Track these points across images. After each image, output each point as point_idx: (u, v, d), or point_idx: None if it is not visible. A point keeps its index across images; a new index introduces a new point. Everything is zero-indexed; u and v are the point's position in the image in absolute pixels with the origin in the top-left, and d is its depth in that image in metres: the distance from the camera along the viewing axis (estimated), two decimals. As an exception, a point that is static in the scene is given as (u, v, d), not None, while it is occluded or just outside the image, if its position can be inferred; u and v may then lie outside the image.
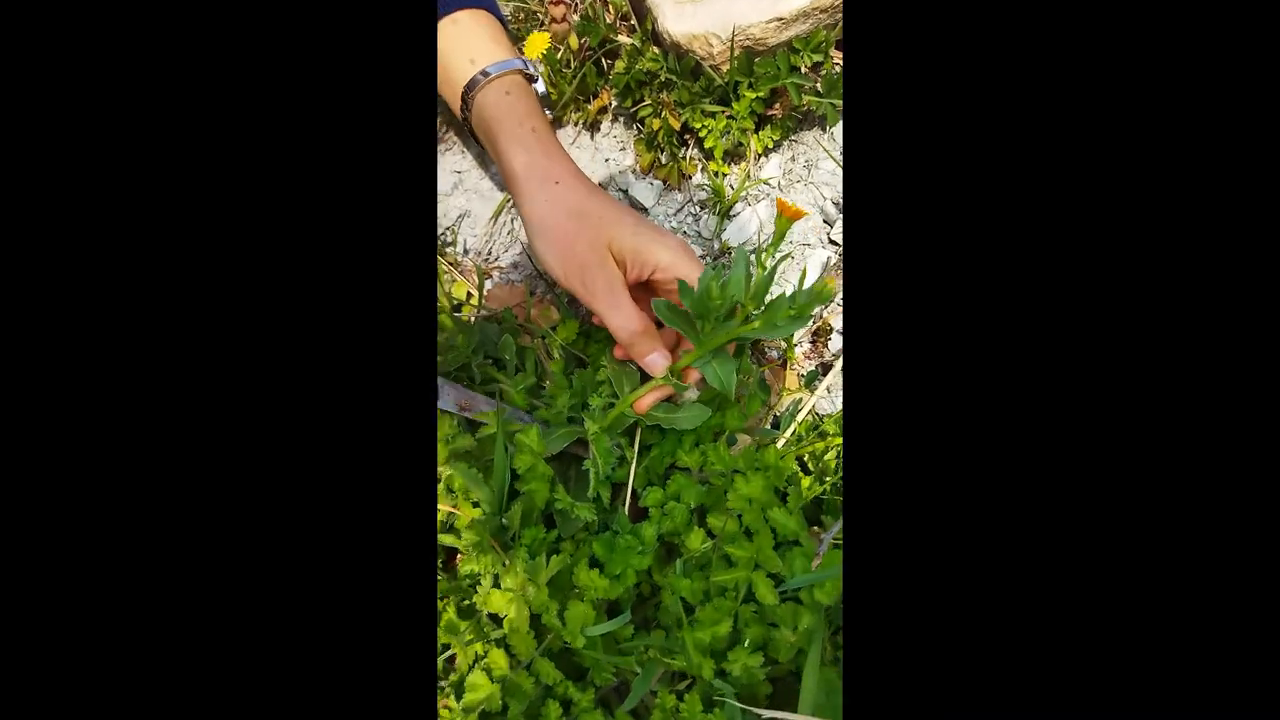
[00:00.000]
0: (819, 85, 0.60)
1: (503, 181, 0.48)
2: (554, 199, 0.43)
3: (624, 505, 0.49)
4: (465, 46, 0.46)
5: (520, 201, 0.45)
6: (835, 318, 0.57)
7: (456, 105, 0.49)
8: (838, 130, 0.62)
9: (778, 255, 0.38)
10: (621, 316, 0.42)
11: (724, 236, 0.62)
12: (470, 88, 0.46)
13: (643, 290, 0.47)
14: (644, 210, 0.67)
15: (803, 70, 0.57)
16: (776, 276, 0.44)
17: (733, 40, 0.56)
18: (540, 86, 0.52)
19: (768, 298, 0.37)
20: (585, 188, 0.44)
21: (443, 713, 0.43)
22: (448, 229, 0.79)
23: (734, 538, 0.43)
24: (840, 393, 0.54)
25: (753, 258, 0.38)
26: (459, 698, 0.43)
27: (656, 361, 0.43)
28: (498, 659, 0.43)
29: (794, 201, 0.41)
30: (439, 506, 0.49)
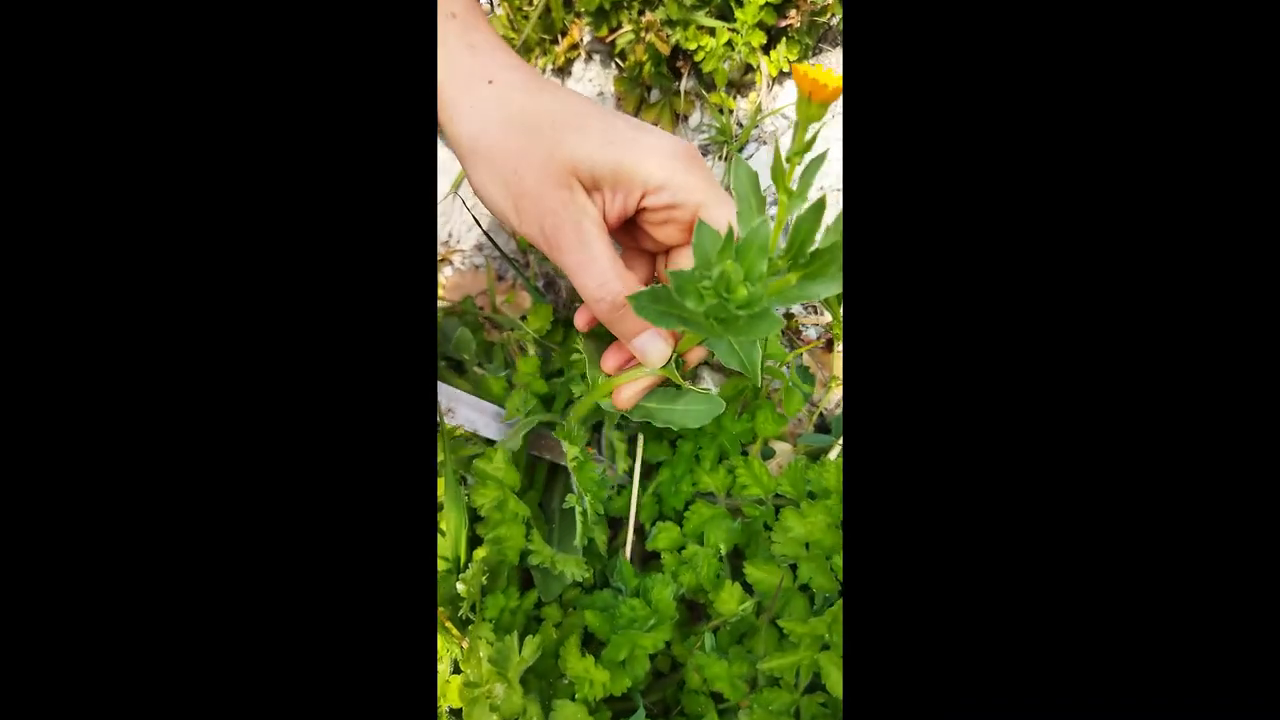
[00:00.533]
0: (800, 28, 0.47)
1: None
2: (486, 108, 0.29)
3: (625, 548, 0.36)
4: None
5: (444, 118, 0.30)
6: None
7: None
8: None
9: (805, 165, 0.24)
10: (596, 275, 0.28)
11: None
12: None
13: (631, 232, 0.33)
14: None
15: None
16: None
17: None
18: None
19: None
20: (527, 84, 0.30)
21: None
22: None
23: (788, 599, 0.29)
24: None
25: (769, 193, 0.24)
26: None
27: (650, 346, 0.29)
28: (459, 786, 0.30)
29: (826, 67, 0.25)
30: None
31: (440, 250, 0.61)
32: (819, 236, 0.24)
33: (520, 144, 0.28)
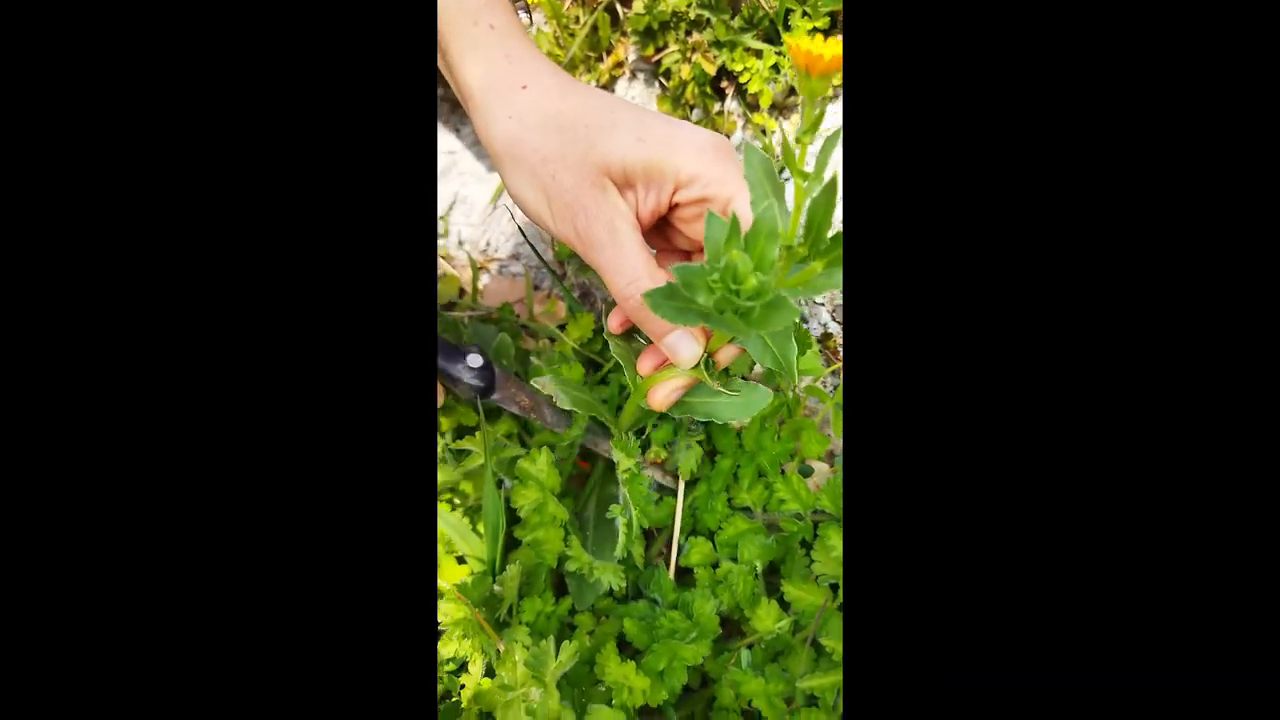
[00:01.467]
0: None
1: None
2: (521, 112, 0.30)
3: (670, 561, 0.36)
4: None
5: (481, 125, 0.31)
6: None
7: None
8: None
9: (818, 146, 0.22)
10: (627, 273, 0.28)
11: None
12: None
13: (666, 232, 0.33)
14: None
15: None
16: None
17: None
18: None
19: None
20: (561, 87, 0.30)
21: None
22: (440, 217, 0.67)
23: (828, 620, 0.29)
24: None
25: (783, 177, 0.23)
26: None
27: (681, 345, 0.29)
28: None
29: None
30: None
31: (479, 259, 0.62)
32: (837, 218, 0.23)
33: (554, 145, 0.29)
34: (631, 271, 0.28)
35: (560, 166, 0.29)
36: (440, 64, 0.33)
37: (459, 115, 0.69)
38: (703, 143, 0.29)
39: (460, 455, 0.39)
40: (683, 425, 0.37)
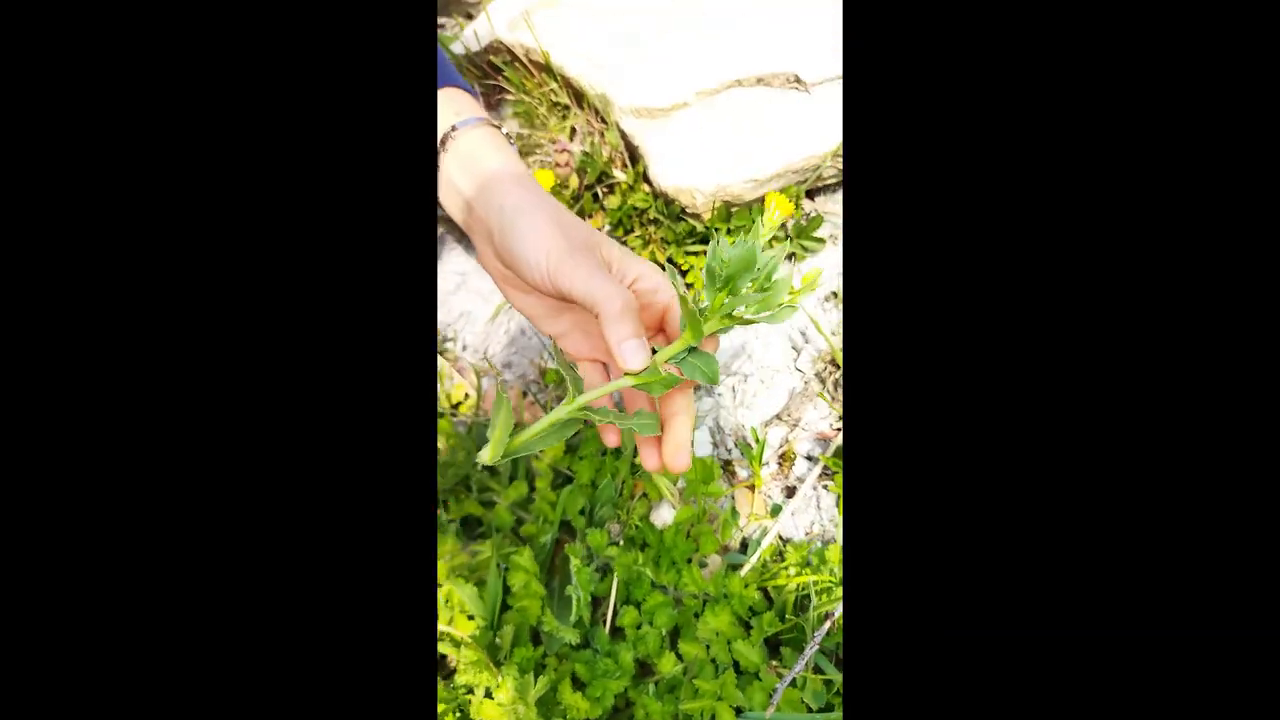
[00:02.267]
0: (790, 230, 0.68)
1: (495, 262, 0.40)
2: (540, 196, 0.37)
3: (604, 623, 0.54)
4: (443, 119, 0.41)
5: (493, 196, 0.37)
6: (800, 443, 0.64)
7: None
8: (804, 264, 0.70)
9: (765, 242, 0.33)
10: (609, 288, 0.34)
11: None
12: (443, 143, 0.40)
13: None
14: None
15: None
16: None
17: (714, 198, 0.64)
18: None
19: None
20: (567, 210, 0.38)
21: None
22: (449, 326, 0.84)
23: (702, 667, 0.48)
24: (804, 514, 0.60)
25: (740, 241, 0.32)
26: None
27: (633, 350, 0.34)
28: (487, 771, 0.48)
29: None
30: (440, 627, 0.54)
31: (481, 365, 0.79)
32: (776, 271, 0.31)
33: (566, 219, 0.37)
34: (613, 289, 0.34)
35: (568, 228, 0.36)
36: (457, 201, 0.40)
37: (468, 242, 0.86)
38: (653, 268, 0.38)
39: (471, 542, 0.57)
40: (625, 529, 0.56)
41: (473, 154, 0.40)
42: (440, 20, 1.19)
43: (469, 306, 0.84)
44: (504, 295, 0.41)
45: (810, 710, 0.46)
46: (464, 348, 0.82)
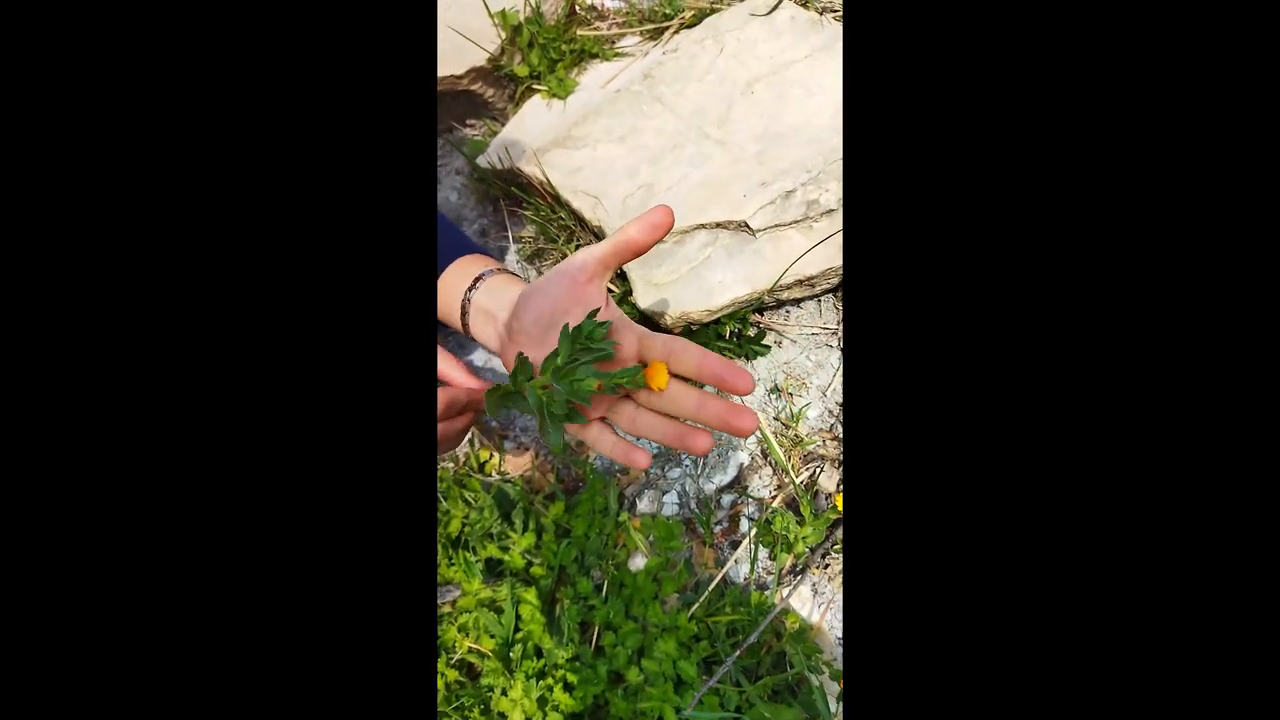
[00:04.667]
0: (740, 342, 0.87)
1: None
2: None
3: (591, 643, 0.74)
4: (467, 276, 0.51)
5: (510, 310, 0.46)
6: (746, 506, 0.83)
7: (458, 321, 0.52)
8: (759, 363, 0.89)
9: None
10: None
11: (673, 439, 0.88)
12: (471, 288, 0.50)
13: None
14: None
15: (726, 335, 0.84)
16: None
17: (677, 319, 0.84)
18: None
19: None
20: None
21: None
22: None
23: (656, 678, 0.68)
24: (744, 565, 0.79)
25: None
26: (477, 770, 0.68)
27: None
28: (503, 746, 0.68)
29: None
30: (468, 643, 0.74)
31: (502, 430, 1.00)
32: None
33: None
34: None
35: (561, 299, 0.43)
36: (489, 329, 0.50)
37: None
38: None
39: (496, 577, 0.78)
40: (607, 576, 0.76)
41: (498, 288, 0.52)
42: (470, 121, 1.40)
43: (494, 372, 1.05)
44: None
45: (723, 708, 0.66)
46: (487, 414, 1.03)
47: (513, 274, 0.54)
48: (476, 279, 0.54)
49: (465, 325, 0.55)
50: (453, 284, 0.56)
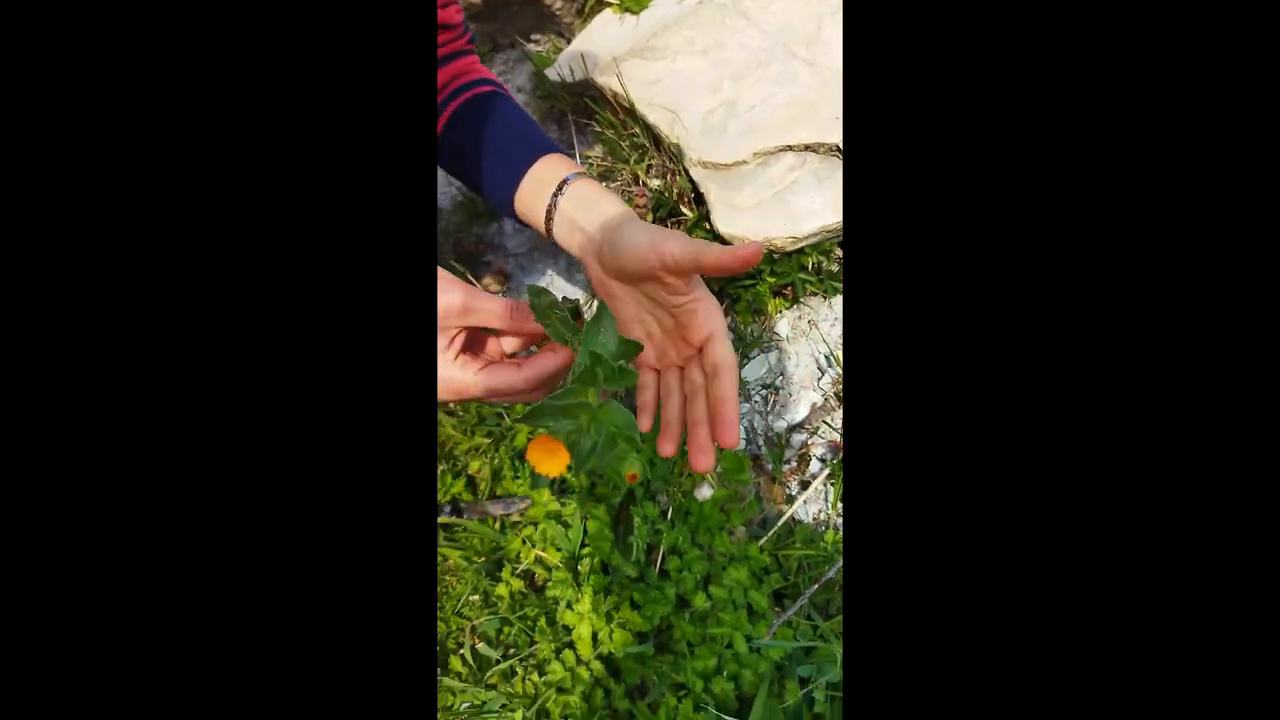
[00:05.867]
0: (823, 274, 0.83)
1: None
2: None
3: (655, 565, 0.74)
4: (554, 176, 0.50)
5: (604, 220, 0.45)
6: (815, 448, 0.81)
7: (542, 223, 0.51)
8: (836, 302, 0.85)
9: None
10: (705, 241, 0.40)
11: (742, 373, 0.86)
12: (556, 193, 0.49)
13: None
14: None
15: (809, 266, 0.80)
16: None
17: (764, 244, 0.79)
18: None
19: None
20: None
21: (527, 683, 0.69)
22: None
23: (725, 605, 0.67)
24: (814, 504, 0.78)
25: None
26: (541, 674, 0.69)
27: (753, 250, 0.38)
28: (568, 656, 0.69)
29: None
30: (536, 551, 0.75)
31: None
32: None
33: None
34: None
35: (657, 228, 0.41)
36: (575, 231, 0.47)
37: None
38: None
39: (564, 493, 0.77)
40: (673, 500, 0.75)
41: (583, 196, 0.49)
42: (534, 36, 1.33)
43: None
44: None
45: (797, 640, 0.65)
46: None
47: (594, 181, 0.51)
48: (562, 183, 0.51)
49: (549, 229, 0.52)
50: (539, 183, 0.53)
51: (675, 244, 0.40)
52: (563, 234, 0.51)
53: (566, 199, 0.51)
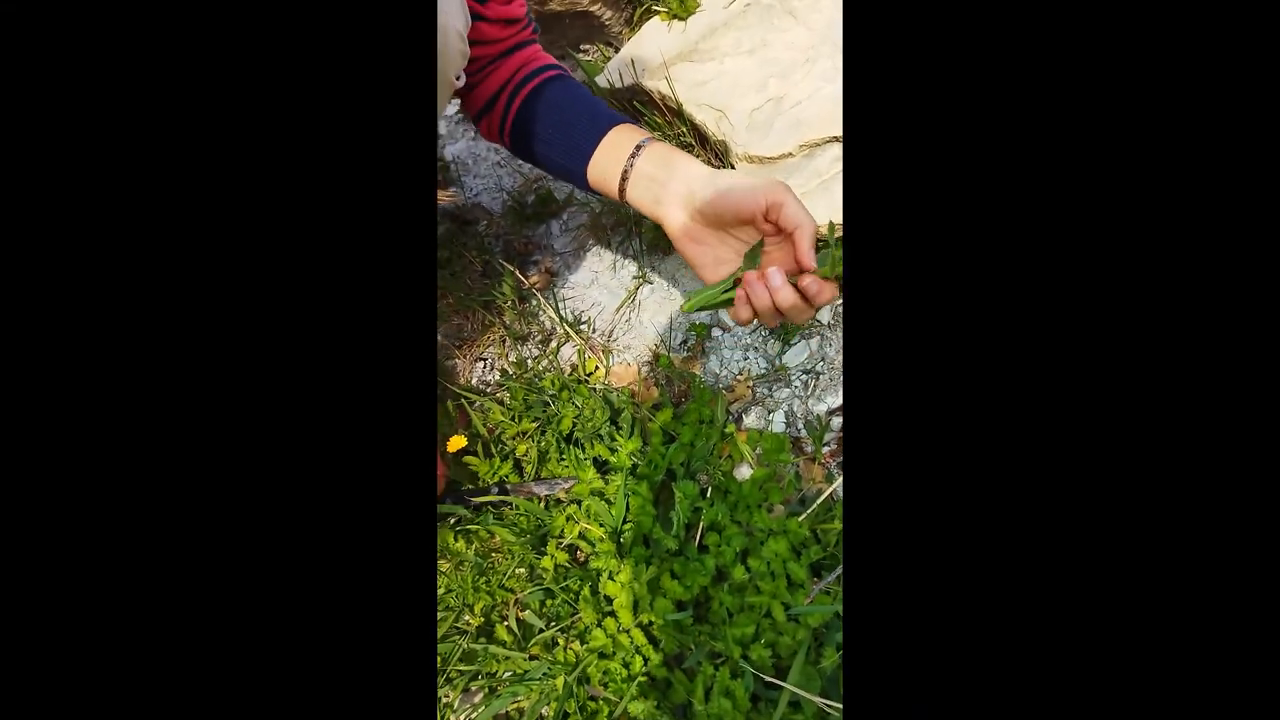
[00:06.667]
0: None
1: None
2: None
3: (695, 540, 0.76)
4: (629, 142, 0.57)
5: (689, 173, 0.54)
6: (856, 430, 0.81)
7: (615, 185, 0.58)
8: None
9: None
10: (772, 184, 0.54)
11: (784, 359, 0.87)
12: (633, 155, 0.56)
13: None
14: (725, 330, 0.93)
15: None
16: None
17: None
18: None
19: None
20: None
21: (569, 652, 0.72)
22: (584, 313, 1.07)
23: (763, 576, 0.68)
24: (851, 485, 0.78)
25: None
26: (583, 643, 0.71)
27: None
28: (609, 624, 0.71)
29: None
30: (581, 525, 0.77)
31: (608, 345, 1.02)
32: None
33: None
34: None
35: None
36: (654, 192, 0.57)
37: (600, 239, 1.07)
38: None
39: (605, 472, 0.80)
40: (713, 480, 0.77)
41: (661, 155, 0.57)
42: (584, 46, 1.40)
43: (600, 299, 1.07)
44: (680, 250, 0.58)
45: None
46: (594, 331, 1.05)
47: (666, 143, 0.57)
48: (638, 146, 0.56)
49: (623, 190, 0.57)
50: (613, 149, 0.58)
51: (789, 207, 0.54)
52: (638, 192, 0.58)
53: (644, 159, 0.57)
